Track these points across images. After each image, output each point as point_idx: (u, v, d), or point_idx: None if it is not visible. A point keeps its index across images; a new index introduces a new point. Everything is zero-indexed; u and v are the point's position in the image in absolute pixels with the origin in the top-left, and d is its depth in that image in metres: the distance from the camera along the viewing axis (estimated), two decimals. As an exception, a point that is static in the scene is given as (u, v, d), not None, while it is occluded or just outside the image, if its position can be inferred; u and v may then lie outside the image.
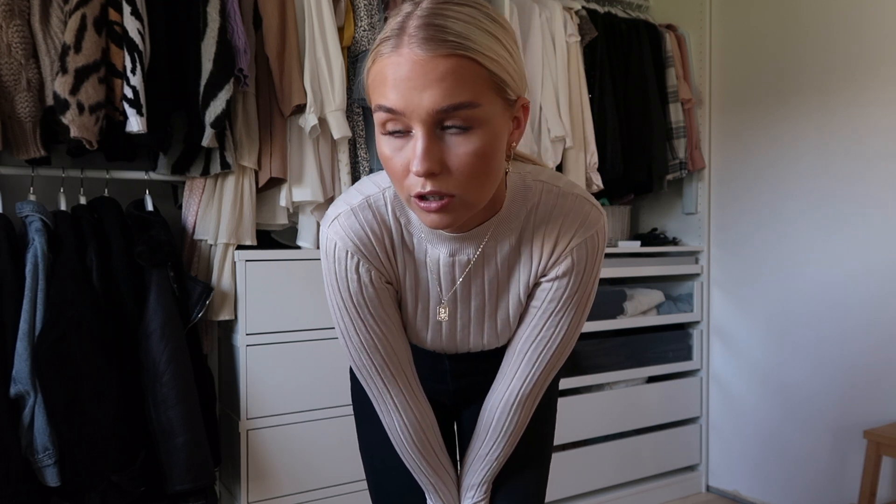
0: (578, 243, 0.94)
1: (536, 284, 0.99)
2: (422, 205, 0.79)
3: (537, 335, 1.01)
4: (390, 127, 0.77)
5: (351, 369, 1.23)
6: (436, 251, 0.95)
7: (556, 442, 2.41)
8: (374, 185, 0.94)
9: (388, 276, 0.96)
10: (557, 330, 1.01)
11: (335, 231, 0.92)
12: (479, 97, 0.75)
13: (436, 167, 0.76)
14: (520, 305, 1.01)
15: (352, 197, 0.94)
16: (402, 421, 1.04)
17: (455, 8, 0.76)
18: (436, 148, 0.76)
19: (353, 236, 0.92)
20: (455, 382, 1.15)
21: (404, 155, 0.77)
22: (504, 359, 1.08)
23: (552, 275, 0.97)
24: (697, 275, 2.77)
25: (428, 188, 0.77)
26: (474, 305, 1.00)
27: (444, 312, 1.00)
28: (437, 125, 0.76)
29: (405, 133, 0.77)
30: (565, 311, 0.99)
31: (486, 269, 0.97)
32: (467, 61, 0.74)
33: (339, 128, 1.94)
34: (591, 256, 0.96)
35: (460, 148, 0.76)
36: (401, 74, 0.74)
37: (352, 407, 1.24)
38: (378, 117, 0.78)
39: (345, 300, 0.95)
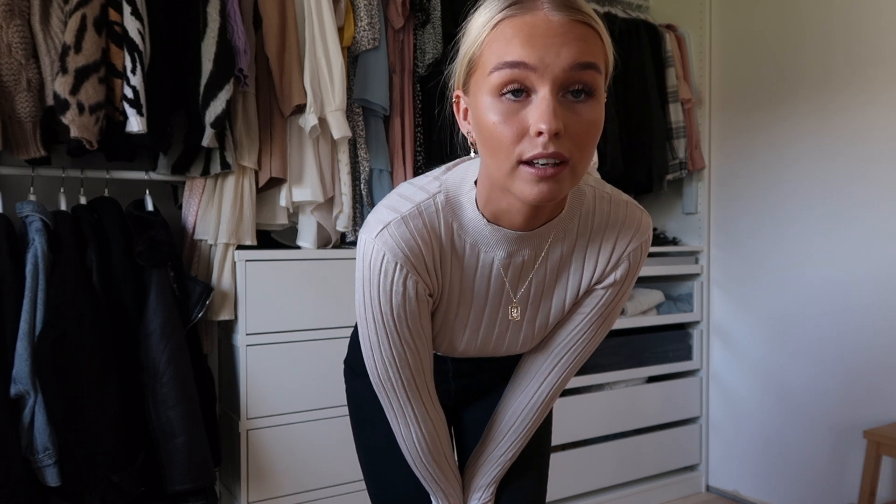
0: (634, 248, 0.97)
1: (588, 292, 0.99)
2: (533, 171, 0.75)
3: (577, 340, 1.02)
4: (510, 87, 0.74)
5: (346, 373, 1.22)
6: (489, 255, 0.92)
7: (557, 442, 2.43)
8: (423, 192, 0.90)
9: (431, 287, 0.92)
10: (597, 335, 1.03)
11: (384, 241, 0.87)
12: (600, 65, 0.77)
13: (561, 128, 0.73)
14: (562, 313, 1.01)
15: (399, 204, 0.89)
16: (419, 432, 1.02)
17: None
18: (560, 110, 0.74)
19: (403, 247, 0.87)
20: (457, 382, 1.15)
21: (519, 119, 0.75)
22: (531, 362, 1.07)
23: (608, 281, 0.98)
24: (697, 275, 2.77)
25: (551, 149, 0.73)
26: (531, 304, 0.99)
27: (517, 312, 0.98)
28: (563, 88, 0.75)
29: (524, 96, 0.75)
30: (608, 316, 1.01)
31: (536, 273, 0.95)
32: (594, 32, 0.77)
33: (339, 128, 1.94)
34: (643, 260, 0.98)
35: (581, 115, 0.76)
36: (537, 31, 0.73)
37: (348, 411, 1.22)
38: (496, 78, 0.75)
39: (384, 313, 0.90)
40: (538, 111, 0.73)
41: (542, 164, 0.74)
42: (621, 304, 1.02)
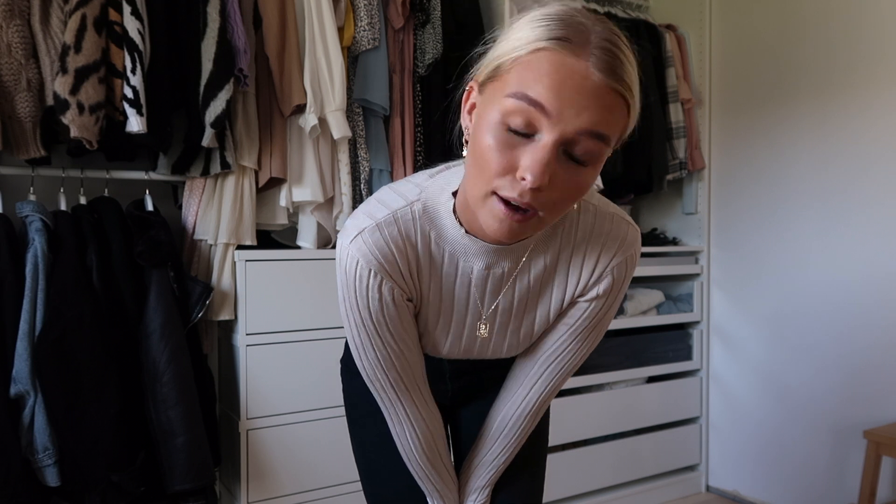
0: (619, 262, 0.94)
1: (572, 304, 0.98)
2: (502, 209, 0.74)
3: (564, 350, 1.02)
4: (516, 120, 0.72)
5: (342, 371, 1.23)
6: (468, 265, 0.92)
7: (557, 442, 2.43)
8: (401, 198, 0.90)
9: (409, 292, 0.93)
10: (583, 345, 1.02)
11: (357, 248, 0.88)
12: (612, 139, 0.75)
13: (546, 183, 0.72)
14: (546, 322, 1.00)
15: (376, 210, 0.89)
16: (413, 432, 1.03)
17: (627, 52, 0.74)
18: (553, 164, 0.72)
19: (377, 254, 0.87)
20: (454, 382, 1.15)
21: (513, 154, 0.73)
22: (520, 368, 1.07)
23: (591, 294, 0.96)
24: (697, 275, 2.77)
25: (526, 199, 0.73)
26: (500, 320, 0.99)
27: (485, 329, 0.98)
28: (566, 145, 0.73)
29: (525, 135, 0.73)
30: (594, 328, 1.00)
31: (518, 284, 0.95)
32: (624, 104, 0.74)
33: (339, 128, 1.94)
34: (629, 275, 0.96)
35: (571, 176, 0.74)
36: (571, 82, 0.70)
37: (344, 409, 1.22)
38: (511, 104, 0.72)
39: (363, 318, 0.91)
40: (531, 159, 0.72)
41: (513, 205, 0.74)
42: (608, 317, 1.00)
